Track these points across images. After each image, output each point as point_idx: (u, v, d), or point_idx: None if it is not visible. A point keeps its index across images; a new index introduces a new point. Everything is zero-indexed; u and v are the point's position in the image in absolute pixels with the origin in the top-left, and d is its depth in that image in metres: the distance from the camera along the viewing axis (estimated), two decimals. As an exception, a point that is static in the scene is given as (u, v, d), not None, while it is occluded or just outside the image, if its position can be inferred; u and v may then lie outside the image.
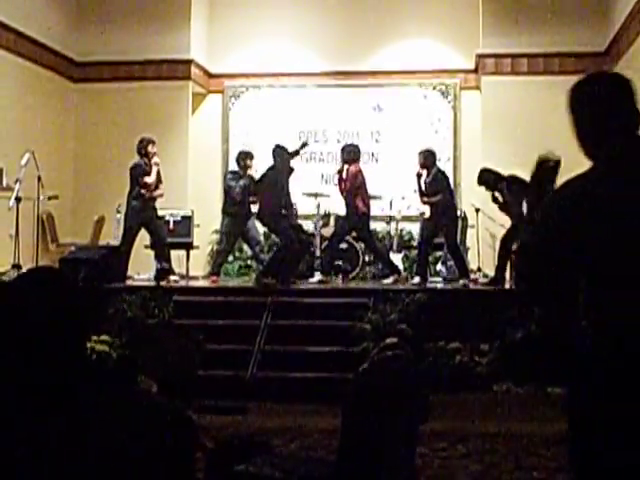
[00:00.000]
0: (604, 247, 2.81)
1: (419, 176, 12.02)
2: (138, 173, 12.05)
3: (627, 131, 3.03)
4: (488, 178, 11.58)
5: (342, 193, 12.12)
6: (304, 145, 12.32)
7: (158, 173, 12.24)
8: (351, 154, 12.20)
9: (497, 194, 11.49)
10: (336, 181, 12.55)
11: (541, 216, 3.03)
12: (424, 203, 12.17)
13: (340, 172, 12.25)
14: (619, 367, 2.68)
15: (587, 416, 2.81)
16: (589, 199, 2.90)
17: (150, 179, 12.09)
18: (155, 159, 12.27)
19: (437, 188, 11.88)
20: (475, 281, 12.26)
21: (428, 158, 12.08)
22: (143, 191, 12.03)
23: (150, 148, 12.29)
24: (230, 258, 14.39)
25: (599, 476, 2.76)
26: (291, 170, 11.92)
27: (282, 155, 11.86)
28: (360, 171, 12.14)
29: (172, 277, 12.06)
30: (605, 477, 2.74)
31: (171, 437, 2.46)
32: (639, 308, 2.73)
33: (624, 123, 3.04)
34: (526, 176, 10.82)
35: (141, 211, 12.01)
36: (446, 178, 12.19)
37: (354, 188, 11.97)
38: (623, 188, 2.86)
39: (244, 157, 12.40)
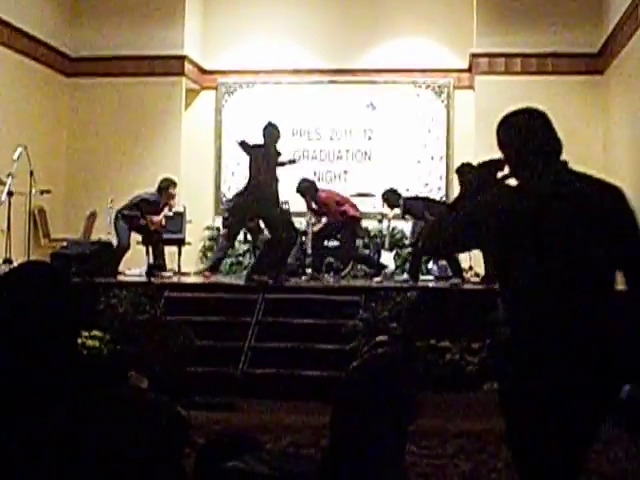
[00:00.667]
0: (508, 253, 3.36)
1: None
2: (149, 210, 12.21)
3: (546, 157, 3.70)
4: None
5: (333, 218, 12.31)
6: (292, 162, 12.26)
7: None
8: (310, 189, 12.31)
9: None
10: (318, 209, 12.61)
11: (464, 211, 3.52)
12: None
13: (312, 209, 12.40)
14: (524, 352, 3.29)
15: (509, 395, 3.58)
16: (503, 210, 3.40)
17: (157, 218, 12.24)
18: (172, 202, 12.47)
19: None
20: (467, 280, 12.28)
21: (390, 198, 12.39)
22: (142, 222, 12.18)
23: (171, 190, 12.42)
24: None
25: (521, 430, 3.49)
26: (278, 153, 11.81)
27: (273, 134, 11.76)
28: (328, 193, 12.35)
29: (163, 273, 12.07)
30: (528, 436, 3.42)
31: (162, 433, 2.46)
32: (534, 306, 3.30)
33: (543, 151, 3.70)
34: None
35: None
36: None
37: (334, 208, 12.15)
38: (535, 205, 3.38)
39: None
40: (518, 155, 3.75)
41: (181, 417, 2.59)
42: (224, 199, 14.78)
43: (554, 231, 3.29)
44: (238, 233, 12.46)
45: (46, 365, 2.39)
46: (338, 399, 3.24)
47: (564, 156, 3.72)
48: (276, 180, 11.53)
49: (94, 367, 2.60)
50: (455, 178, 14.30)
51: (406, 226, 13.96)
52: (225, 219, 12.86)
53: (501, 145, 3.90)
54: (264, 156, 11.44)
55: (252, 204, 11.46)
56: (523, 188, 3.59)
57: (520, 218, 3.34)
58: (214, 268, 12.50)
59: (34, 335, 2.39)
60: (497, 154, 3.65)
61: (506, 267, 3.39)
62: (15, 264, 11.42)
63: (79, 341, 8.96)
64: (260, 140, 11.55)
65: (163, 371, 8.22)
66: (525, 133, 3.76)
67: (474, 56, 15.06)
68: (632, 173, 12.62)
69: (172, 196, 12.60)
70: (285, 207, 12.77)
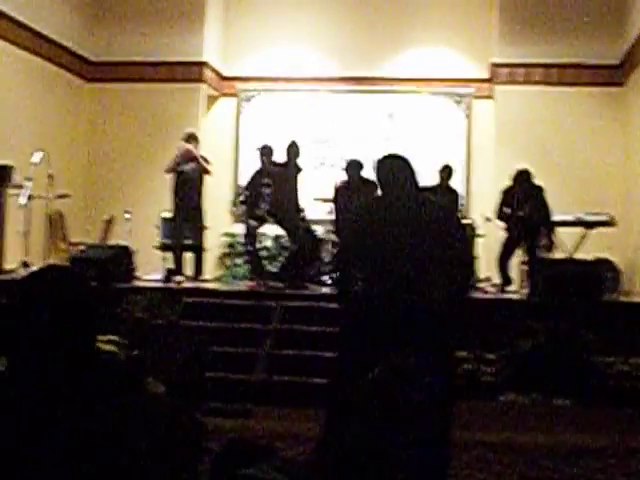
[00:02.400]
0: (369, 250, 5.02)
1: None
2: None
3: (403, 187, 5.21)
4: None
5: None
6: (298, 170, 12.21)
7: None
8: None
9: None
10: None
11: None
12: None
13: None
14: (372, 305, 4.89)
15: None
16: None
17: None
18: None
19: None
20: (484, 290, 12.28)
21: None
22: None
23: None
24: (239, 261, 14.41)
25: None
26: (299, 169, 11.89)
27: (296, 153, 11.84)
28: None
29: (177, 277, 11.98)
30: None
31: (178, 439, 2.46)
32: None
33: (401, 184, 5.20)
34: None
35: None
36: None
37: None
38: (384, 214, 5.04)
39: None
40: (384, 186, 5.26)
41: (197, 423, 2.59)
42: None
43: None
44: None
45: (64, 368, 2.40)
46: (354, 409, 3.24)
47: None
48: (296, 193, 11.63)
49: (111, 371, 2.60)
50: (475, 188, 14.31)
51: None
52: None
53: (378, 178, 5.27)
54: (285, 174, 11.58)
55: (273, 215, 11.64)
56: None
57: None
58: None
59: (52, 339, 2.40)
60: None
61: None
62: (33, 267, 11.46)
63: (96, 345, 8.97)
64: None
65: (179, 377, 8.22)
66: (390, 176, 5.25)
67: (494, 66, 15.05)
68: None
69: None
70: (302, 215, 12.76)
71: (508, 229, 11.95)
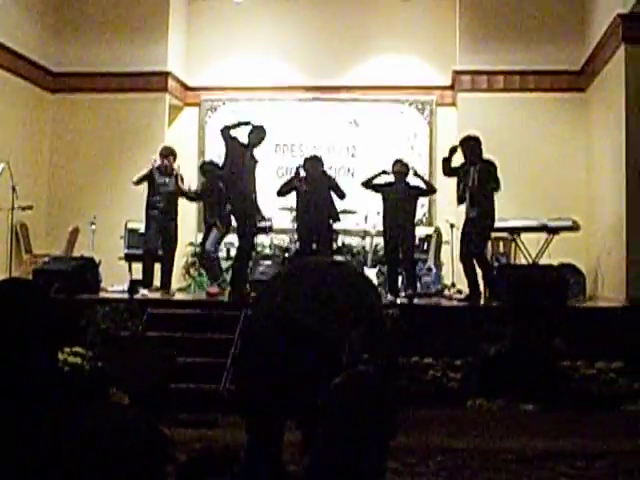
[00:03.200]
0: None
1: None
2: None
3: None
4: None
5: None
6: (246, 124, 12.09)
7: None
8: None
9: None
10: None
11: None
12: None
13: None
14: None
15: None
16: None
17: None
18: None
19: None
20: (450, 297, 12.32)
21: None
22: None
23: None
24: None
25: None
26: (255, 161, 11.83)
27: (259, 136, 11.82)
28: None
29: (142, 291, 11.81)
30: None
31: (142, 450, 2.45)
32: None
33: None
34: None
35: None
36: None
37: None
38: None
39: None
40: None
41: (162, 434, 2.57)
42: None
43: None
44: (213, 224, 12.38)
45: (26, 381, 2.38)
46: (319, 417, 3.24)
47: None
48: (254, 188, 11.60)
49: (74, 384, 2.59)
50: (438, 195, 14.33)
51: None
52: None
53: None
54: (244, 153, 11.51)
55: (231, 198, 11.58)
56: None
57: None
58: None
59: (14, 351, 2.38)
60: None
61: None
62: (-4, 280, 11.37)
63: (61, 357, 8.93)
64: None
65: (144, 388, 8.18)
66: None
67: (456, 73, 15.13)
68: (613, 188, 12.70)
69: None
70: (268, 224, 12.75)
71: (462, 233, 11.68)
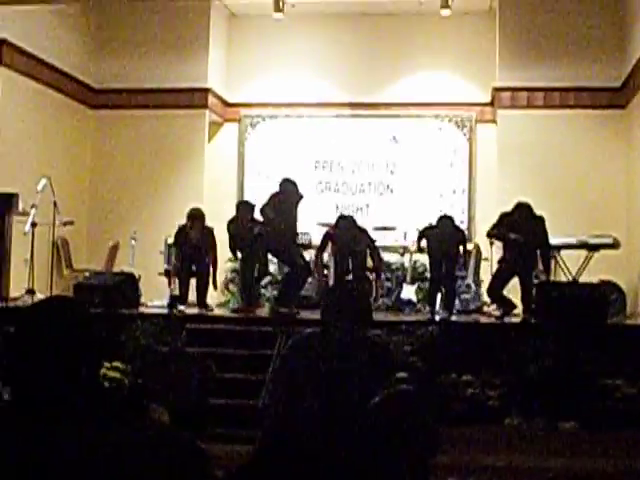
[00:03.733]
0: None
1: None
2: None
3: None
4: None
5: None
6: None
7: None
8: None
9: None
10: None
11: None
12: None
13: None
14: None
15: None
16: None
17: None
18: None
19: None
20: (489, 314, 12.28)
21: None
22: None
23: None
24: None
25: None
26: (300, 197, 11.90)
27: (289, 187, 11.86)
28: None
29: (180, 307, 11.82)
30: None
31: (180, 468, 2.46)
32: None
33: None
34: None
35: None
36: None
37: None
38: None
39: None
40: None
41: (200, 451, 2.58)
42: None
43: None
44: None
45: (67, 398, 2.40)
46: (357, 436, 3.24)
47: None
48: (295, 218, 11.67)
49: (114, 400, 2.61)
50: (478, 212, 14.31)
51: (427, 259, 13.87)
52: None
53: None
54: (282, 203, 11.61)
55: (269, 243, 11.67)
56: None
57: None
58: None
59: (57, 368, 2.41)
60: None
61: None
62: (38, 295, 11.48)
63: (101, 372, 8.97)
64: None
65: (184, 404, 8.21)
66: None
67: (496, 90, 15.09)
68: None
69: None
70: (301, 240, 12.81)
71: (503, 255, 11.79)
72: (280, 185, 11.85)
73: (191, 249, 12.06)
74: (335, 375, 4.53)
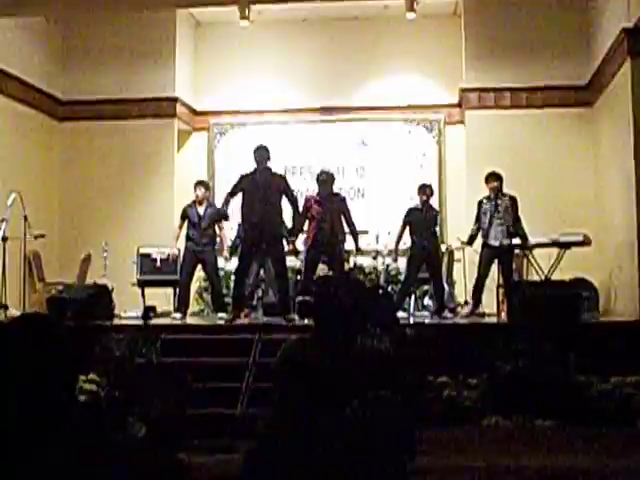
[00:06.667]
0: None
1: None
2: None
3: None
4: None
5: None
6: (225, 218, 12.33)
7: None
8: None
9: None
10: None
11: None
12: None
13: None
14: None
15: None
16: None
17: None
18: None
19: None
20: (461, 315, 12.36)
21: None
22: None
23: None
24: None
25: None
26: (275, 175, 12.09)
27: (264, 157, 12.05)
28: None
29: (175, 315, 12.02)
30: None
31: (159, 478, 2.46)
32: None
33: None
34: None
35: None
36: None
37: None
38: None
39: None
40: None
41: (180, 464, 2.59)
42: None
43: None
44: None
45: (43, 413, 2.40)
46: (335, 441, 3.25)
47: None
48: (279, 210, 11.68)
49: (91, 415, 2.60)
50: (449, 213, 14.37)
51: (401, 262, 13.88)
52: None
53: None
54: (254, 183, 11.59)
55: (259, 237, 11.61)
56: None
57: None
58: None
59: (32, 385, 2.41)
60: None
61: None
62: (11, 310, 11.44)
63: (77, 385, 8.93)
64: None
65: (161, 416, 8.18)
66: None
67: (464, 91, 15.15)
68: (623, 202, 12.68)
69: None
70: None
71: (480, 256, 12.13)
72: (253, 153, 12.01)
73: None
74: (331, 384, 4.52)
